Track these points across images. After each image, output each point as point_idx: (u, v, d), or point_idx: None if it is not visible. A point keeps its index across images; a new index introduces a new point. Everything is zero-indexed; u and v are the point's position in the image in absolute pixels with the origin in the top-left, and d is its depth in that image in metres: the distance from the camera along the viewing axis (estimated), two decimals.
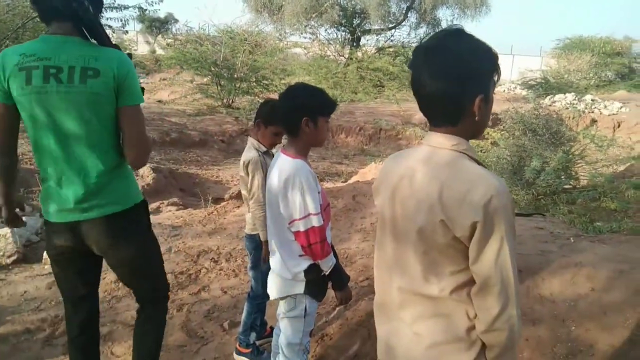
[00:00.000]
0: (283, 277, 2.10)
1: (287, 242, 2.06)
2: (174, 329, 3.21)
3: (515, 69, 26.31)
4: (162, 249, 4.35)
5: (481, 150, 8.06)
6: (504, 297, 1.16)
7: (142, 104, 1.94)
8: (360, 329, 2.98)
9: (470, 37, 1.20)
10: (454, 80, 1.17)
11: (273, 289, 2.16)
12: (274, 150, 2.71)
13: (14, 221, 2.12)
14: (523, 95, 16.02)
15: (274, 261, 2.16)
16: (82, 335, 2.21)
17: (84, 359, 2.23)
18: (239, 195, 7.20)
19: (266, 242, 2.58)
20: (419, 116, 13.45)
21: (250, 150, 2.63)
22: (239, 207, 5.67)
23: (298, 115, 1.99)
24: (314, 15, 18.27)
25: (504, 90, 24.00)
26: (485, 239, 1.14)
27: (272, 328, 3.06)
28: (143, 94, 1.96)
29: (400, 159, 1.34)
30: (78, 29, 1.84)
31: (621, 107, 15.74)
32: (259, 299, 2.86)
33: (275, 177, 2.02)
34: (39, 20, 8.60)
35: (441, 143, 1.23)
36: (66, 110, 1.80)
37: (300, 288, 2.07)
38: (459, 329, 1.23)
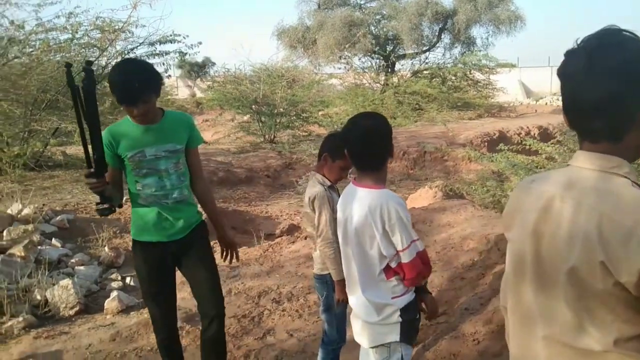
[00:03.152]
0: (370, 322, 1.92)
1: (375, 283, 1.89)
2: None
3: (555, 81, 25.61)
4: (223, 291, 4.27)
5: (537, 167, 7.71)
6: None
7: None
8: None
9: (636, 35, 1.02)
10: (631, 80, 0.99)
11: (363, 337, 1.97)
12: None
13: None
14: None
15: (357, 305, 1.99)
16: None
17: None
18: (289, 230, 7.08)
19: (340, 281, 2.42)
20: (464, 135, 13.12)
21: (315, 185, 2.50)
22: (293, 242, 5.54)
23: (388, 145, 1.89)
24: (347, 46, 18.38)
25: (546, 103, 23.36)
26: None
27: None
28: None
29: (537, 185, 1.14)
30: None
31: None
32: (334, 344, 2.68)
33: (359, 213, 1.87)
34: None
35: (598, 165, 1.03)
36: None
37: (394, 335, 1.88)
38: None
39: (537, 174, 1.19)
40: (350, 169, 2.52)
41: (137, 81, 2.24)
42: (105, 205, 2.32)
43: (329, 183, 2.51)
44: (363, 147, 1.89)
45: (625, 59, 0.99)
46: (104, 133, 2.39)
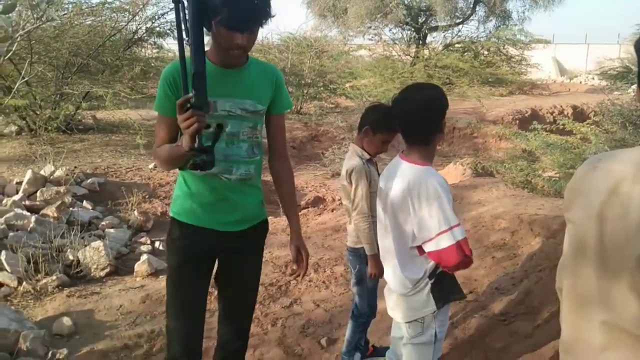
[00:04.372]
0: (405, 294, 1.89)
1: (410, 257, 1.86)
2: (271, 345, 3.09)
3: (590, 59, 24.67)
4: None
5: (571, 147, 7.49)
6: None
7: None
8: (473, 350, 2.71)
9: None
10: None
11: (397, 311, 1.95)
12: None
13: None
14: (603, 85, 14.96)
15: (392, 279, 1.96)
16: None
17: None
18: (315, 202, 7.07)
19: (373, 256, 2.39)
20: (495, 112, 12.84)
21: (354, 158, 2.45)
22: (320, 214, 5.54)
23: (440, 121, 1.81)
24: (378, 16, 17.96)
25: (581, 82, 22.60)
26: None
27: (374, 347, 2.86)
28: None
29: (605, 164, 1.07)
30: None
31: None
32: (364, 317, 2.67)
33: (399, 187, 1.82)
34: (115, 40, 8.99)
35: None
36: None
37: (430, 307, 1.84)
38: None
39: (604, 153, 1.12)
40: (391, 143, 2.46)
41: None
42: (203, 157, 1.58)
43: (367, 156, 2.46)
44: (412, 120, 1.82)
45: None
46: (166, 68, 1.80)
